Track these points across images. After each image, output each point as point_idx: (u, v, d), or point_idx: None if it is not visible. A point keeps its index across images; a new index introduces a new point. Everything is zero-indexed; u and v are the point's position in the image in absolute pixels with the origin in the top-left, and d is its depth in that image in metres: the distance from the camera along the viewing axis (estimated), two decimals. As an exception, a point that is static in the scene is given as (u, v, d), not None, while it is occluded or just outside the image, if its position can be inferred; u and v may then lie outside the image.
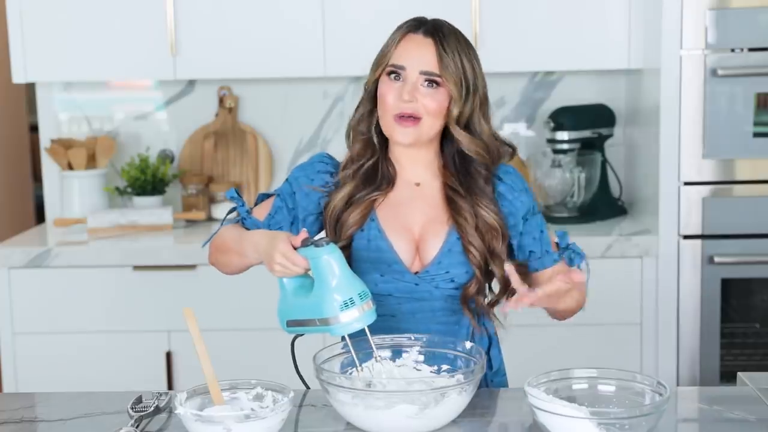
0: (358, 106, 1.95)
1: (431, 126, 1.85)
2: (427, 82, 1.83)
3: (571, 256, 1.89)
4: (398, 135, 1.85)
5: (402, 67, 1.84)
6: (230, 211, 1.98)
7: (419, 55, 1.83)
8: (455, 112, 1.85)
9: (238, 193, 1.95)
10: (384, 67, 1.86)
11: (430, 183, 1.93)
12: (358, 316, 1.68)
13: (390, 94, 1.84)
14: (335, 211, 1.89)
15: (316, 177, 1.94)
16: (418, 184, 1.93)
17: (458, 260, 1.87)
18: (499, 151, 1.91)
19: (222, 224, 1.97)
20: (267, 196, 2.00)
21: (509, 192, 1.91)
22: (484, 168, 1.90)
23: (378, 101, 1.87)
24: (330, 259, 1.68)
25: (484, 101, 1.89)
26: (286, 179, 1.97)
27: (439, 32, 1.85)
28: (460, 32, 1.88)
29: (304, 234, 1.72)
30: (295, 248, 1.71)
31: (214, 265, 2.00)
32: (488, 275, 1.90)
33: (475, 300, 1.88)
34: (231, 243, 1.90)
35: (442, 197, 1.91)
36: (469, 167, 1.90)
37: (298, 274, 1.73)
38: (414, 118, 1.83)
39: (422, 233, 1.90)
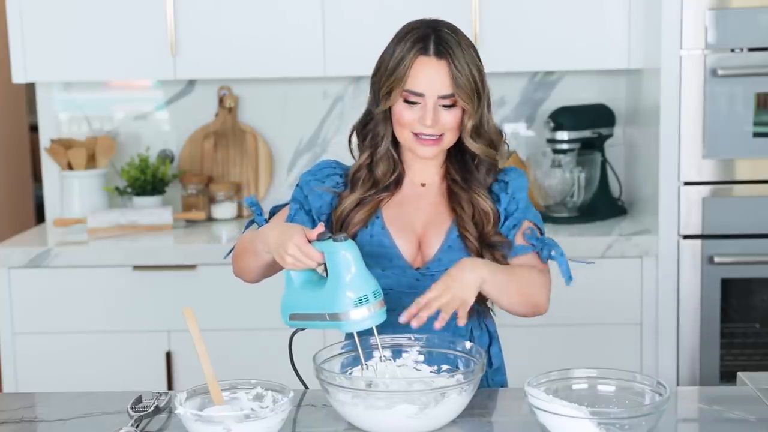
0: (368, 117, 1.94)
1: (452, 139, 1.90)
2: (443, 105, 1.86)
3: (542, 248, 1.91)
4: (420, 151, 1.89)
5: (421, 95, 1.85)
6: (249, 223, 2.01)
7: (436, 80, 1.85)
8: (469, 125, 1.88)
9: (257, 202, 1.98)
10: (399, 91, 1.86)
11: (436, 184, 1.97)
12: (369, 315, 1.68)
13: (407, 115, 1.87)
14: (344, 213, 1.92)
15: (326, 180, 1.97)
16: (423, 185, 1.97)
17: (457, 257, 1.88)
18: (501, 149, 1.95)
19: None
20: (278, 208, 2.02)
21: (499, 191, 1.95)
22: (488, 163, 1.93)
23: (394, 120, 1.90)
24: (347, 255, 1.68)
25: (489, 96, 1.92)
26: (297, 185, 2.00)
27: (448, 50, 1.85)
28: (459, 32, 1.89)
29: (320, 228, 1.73)
30: (310, 241, 1.72)
31: (237, 275, 2.01)
32: None
33: None
34: (247, 244, 1.92)
35: (444, 196, 1.95)
36: (470, 163, 1.94)
37: (309, 267, 1.74)
38: (437, 137, 1.87)
39: (424, 231, 1.92)
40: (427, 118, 1.85)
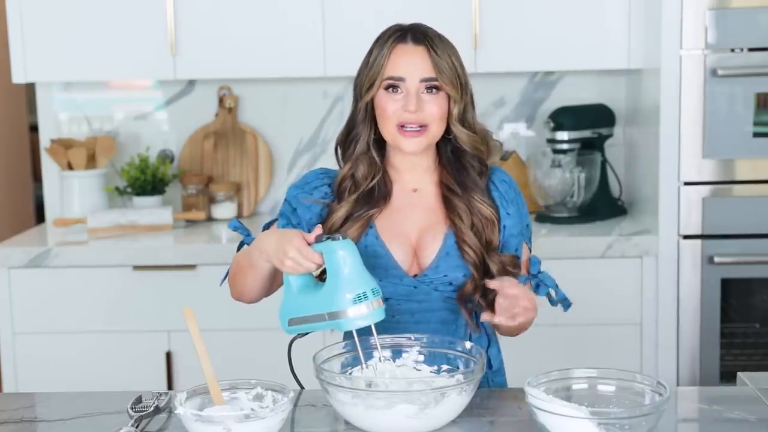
0: (351, 126, 1.93)
1: (437, 131, 1.87)
2: (426, 89, 1.85)
3: (538, 284, 1.85)
4: (405, 145, 1.86)
5: (401, 78, 1.84)
6: (240, 246, 1.98)
7: (416, 63, 1.84)
8: (456, 111, 1.87)
9: (241, 224, 1.96)
10: (380, 81, 1.85)
11: (427, 188, 1.94)
12: (367, 312, 1.69)
13: (391, 105, 1.85)
14: (333, 228, 1.90)
15: (314, 191, 1.95)
16: (415, 190, 1.94)
17: (455, 263, 1.88)
18: (490, 143, 1.94)
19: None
20: (270, 224, 2.00)
21: (498, 199, 1.92)
22: (478, 161, 1.92)
23: (377, 114, 1.88)
24: (345, 254, 1.69)
25: (472, 95, 1.92)
26: (285, 199, 1.98)
27: (426, 38, 1.86)
28: (439, 33, 1.90)
29: (318, 230, 1.74)
30: (309, 244, 1.72)
31: (237, 298, 1.98)
32: (485, 273, 1.89)
33: (472, 298, 1.88)
34: (242, 261, 1.91)
35: (438, 201, 1.93)
36: (463, 162, 1.92)
37: (308, 270, 1.74)
38: (421, 128, 1.85)
39: (419, 238, 1.91)
40: (410, 103, 1.83)
